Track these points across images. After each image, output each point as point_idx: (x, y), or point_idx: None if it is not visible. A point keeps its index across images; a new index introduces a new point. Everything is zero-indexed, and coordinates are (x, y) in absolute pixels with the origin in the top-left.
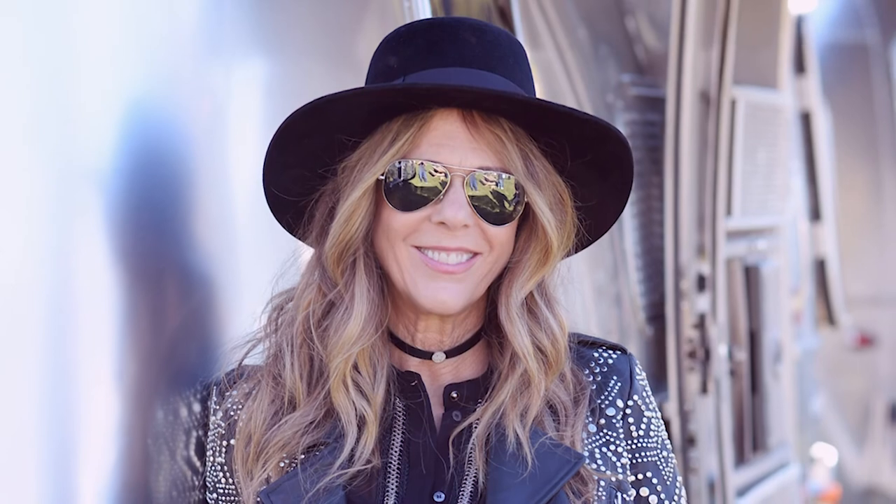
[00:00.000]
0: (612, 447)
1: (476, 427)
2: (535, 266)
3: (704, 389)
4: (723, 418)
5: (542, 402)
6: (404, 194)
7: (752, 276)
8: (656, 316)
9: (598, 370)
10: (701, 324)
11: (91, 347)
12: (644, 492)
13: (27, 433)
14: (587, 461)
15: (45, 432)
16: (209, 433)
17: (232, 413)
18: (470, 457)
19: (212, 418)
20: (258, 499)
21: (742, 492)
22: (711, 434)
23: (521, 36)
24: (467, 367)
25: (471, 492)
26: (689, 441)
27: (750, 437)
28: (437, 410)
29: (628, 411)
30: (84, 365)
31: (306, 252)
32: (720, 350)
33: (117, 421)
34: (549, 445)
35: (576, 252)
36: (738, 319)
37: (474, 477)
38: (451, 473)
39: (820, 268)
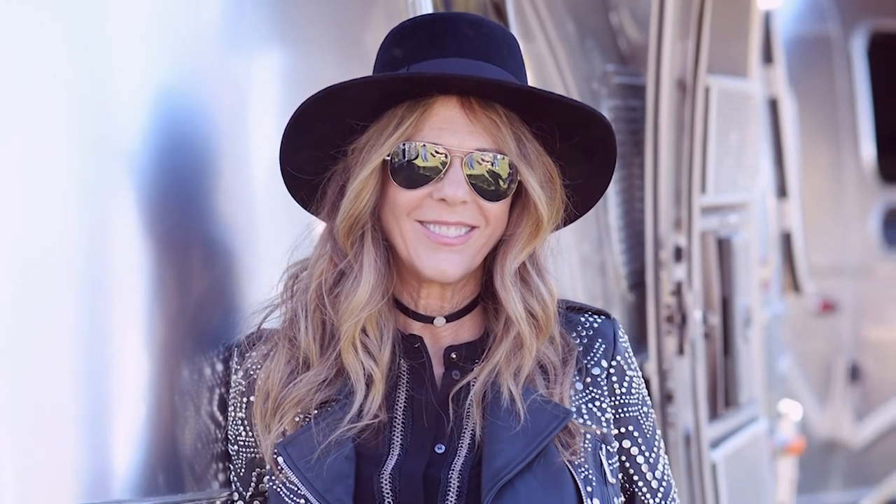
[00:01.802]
0: (598, 403)
1: (473, 385)
2: (527, 238)
3: (681, 351)
4: (698, 377)
5: (533, 362)
6: (408, 173)
7: (724, 247)
8: (637, 284)
9: (584, 333)
10: (678, 291)
11: (123, 312)
12: (626, 444)
13: (66, 390)
14: (574, 416)
15: (82, 389)
16: (231, 390)
17: (251, 372)
18: (468, 412)
19: (233, 377)
20: (275, 450)
21: (715, 444)
22: (687, 391)
23: (514, 29)
24: (465, 331)
25: (469, 443)
26: (667, 398)
27: (722, 394)
28: (438, 370)
29: (612, 371)
30: (117, 328)
31: (319, 226)
32: (695, 315)
33: (147, 379)
34: (540, 402)
35: (564, 226)
36: (712, 287)
37: (472, 430)
38: (450, 427)
39: (786, 240)
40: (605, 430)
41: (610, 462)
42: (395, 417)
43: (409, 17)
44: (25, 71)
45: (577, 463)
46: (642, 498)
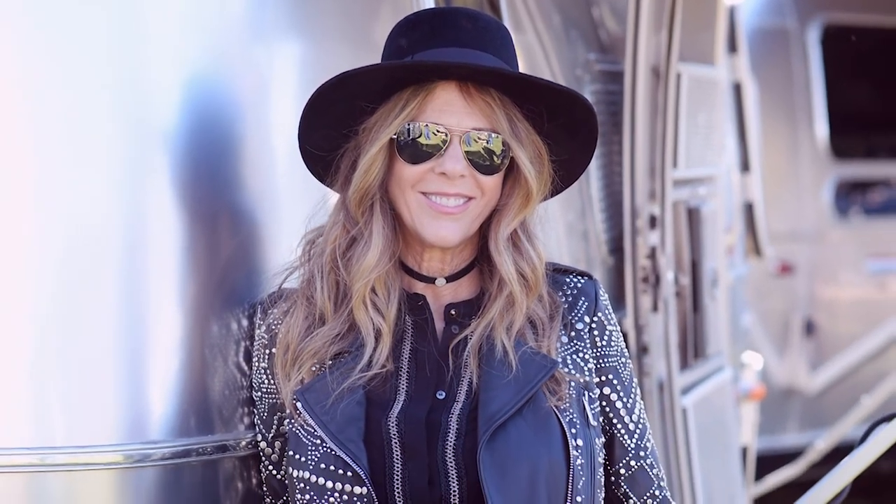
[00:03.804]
0: (581, 354)
1: (471, 338)
2: (518, 208)
3: (655, 308)
4: (670, 331)
5: (524, 318)
6: (413, 150)
7: (693, 216)
8: (616, 248)
9: (569, 292)
10: (652, 255)
11: (158, 274)
12: (606, 390)
13: (107, 344)
14: (560, 366)
15: (122, 343)
16: (255, 343)
17: (273, 327)
18: (466, 362)
19: (257, 331)
20: (294, 396)
21: (686, 391)
22: (661, 344)
23: (507, 22)
24: (464, 290)
25: (466, 391)
26: (642, 350)
27: (692, 346)
28: (439, 325)
29: (594, 325)
30: (153, 288)
31: (333, 197)
32: (668, 276)
33: (180, 334)
34: (530, 353)
35: (551, 197)
36: (683, 251)
37: (469, 379)
38: (450, 376)
39: (748, 210)
40: (587, 378)
41: (592, 407)
42: (401, 367)
43: (413, 11)
44: (72, 59)
45: (562, 408)
46: (621, 439)
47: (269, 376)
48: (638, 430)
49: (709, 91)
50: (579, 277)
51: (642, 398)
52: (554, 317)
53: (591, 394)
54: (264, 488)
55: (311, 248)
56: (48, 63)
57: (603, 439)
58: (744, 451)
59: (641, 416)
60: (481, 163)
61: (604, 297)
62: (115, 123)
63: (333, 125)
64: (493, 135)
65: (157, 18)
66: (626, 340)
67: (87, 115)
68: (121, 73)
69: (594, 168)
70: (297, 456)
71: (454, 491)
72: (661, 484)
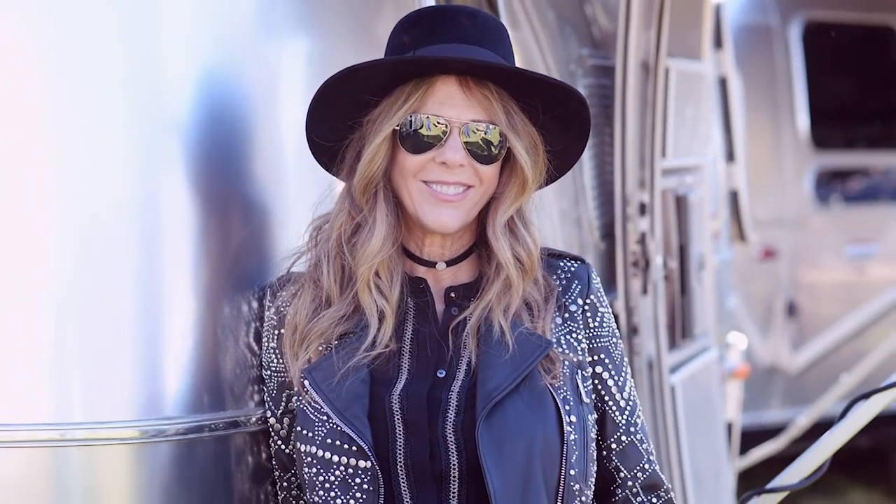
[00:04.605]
0: (574, 335)
1: (469, 319)
2: (514, 196)
3: (645, 291)
4: (659, 313)
5: (520, 300)
6: (414, 141)
7: (681, 203)
8: (608, 234)
9: (563, 276)
10: (642, 240)
11: (173, 259)
12: (598, 369)
13: (124, 325)
14: (555, 346)
15: (138, 324)
16: (264, 324)
17: (282, 309)
18: (465, 342)
19: (266, 313)
20: (302, 375)
21: (674, 369)
22: (650, 325)
23: (504, 19)
24: (463, 274)
25: (465, 369)
26: (633, 330)
27: (680, 327)
28: (440, 307)
29: (586, 307)
30: (168, 273)
31: (339, 185)
32: (657, 260)
33: (194, 315)
34: (526, 334)
35: (546, 185)
36: (671, 237)
37: (468, 358)
38: (450, 355)
39: (733, 197)
40: (580, 357)
41: (585, 385)
42: (404, 347)
43: (415, 8)
44: (87, 54)
45: (556, 386)
46: (612, 415)
47: (278, 356)
48: (628, 407)
49: (696, 85)
50: (573, 262)
51: (632, 376)
52: (549, 299)
53: (583, 372)
54: (273, 462)
55: (317, 233)
56: (64, 58)
57: (595, 416)
58: (729, 427)
59: (632, 393)
60: (480, 153)
61: (596, 281)
62: (130, 116)
63: (339, 117)
64: (491, 126)
65: (171, 15)
66: (617, 321)
67: (103, 108)
68: (135, 69)
69: (587, 158)
70: (305, 431)
71: (454, 464)
72: (651, 458)
